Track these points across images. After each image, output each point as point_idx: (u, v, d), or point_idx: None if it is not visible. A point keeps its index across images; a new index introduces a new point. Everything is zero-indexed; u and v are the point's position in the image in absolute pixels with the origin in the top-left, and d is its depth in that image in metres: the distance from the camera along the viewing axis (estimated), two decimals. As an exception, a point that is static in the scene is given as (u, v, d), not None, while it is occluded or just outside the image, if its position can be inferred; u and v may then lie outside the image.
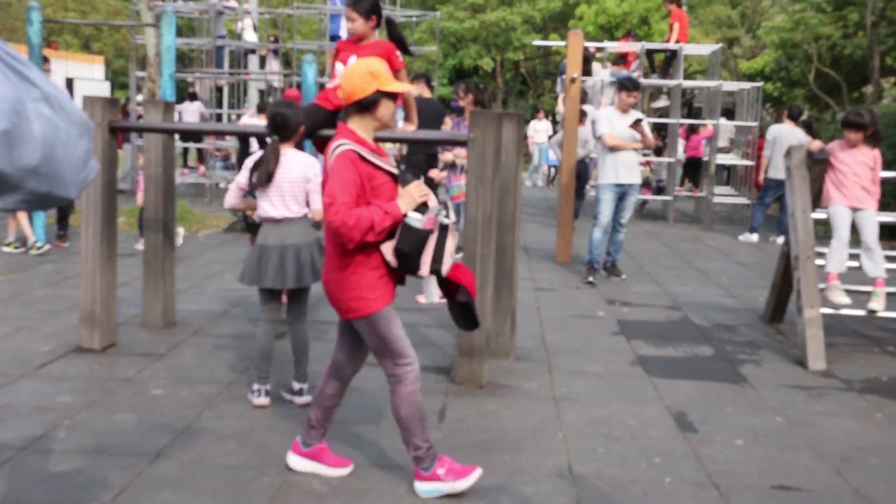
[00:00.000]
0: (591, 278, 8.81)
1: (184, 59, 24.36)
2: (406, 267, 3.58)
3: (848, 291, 6.48)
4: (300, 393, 5.00)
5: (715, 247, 11.90)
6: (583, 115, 13.52)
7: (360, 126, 3.62)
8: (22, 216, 9.34)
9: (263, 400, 4.93)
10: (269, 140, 4.94)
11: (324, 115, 5.30)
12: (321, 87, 5.42)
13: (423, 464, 3.77)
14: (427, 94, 11.07)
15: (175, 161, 6.55)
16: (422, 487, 3.79)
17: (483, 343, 5.31)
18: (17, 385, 5.09)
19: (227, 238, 11.16)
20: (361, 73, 3.55)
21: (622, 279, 9.05)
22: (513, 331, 5.97)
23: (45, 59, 10.72)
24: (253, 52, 17.16)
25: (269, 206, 4.86)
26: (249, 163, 4.94)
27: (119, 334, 6.15)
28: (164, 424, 4.53)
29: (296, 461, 4.03)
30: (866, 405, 5.31)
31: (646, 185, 15.47)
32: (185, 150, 18.77)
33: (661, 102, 16.51)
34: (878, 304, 6.35)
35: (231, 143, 15.85)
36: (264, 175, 4.78)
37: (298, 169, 4.84)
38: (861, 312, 6.50)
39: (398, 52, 5.26)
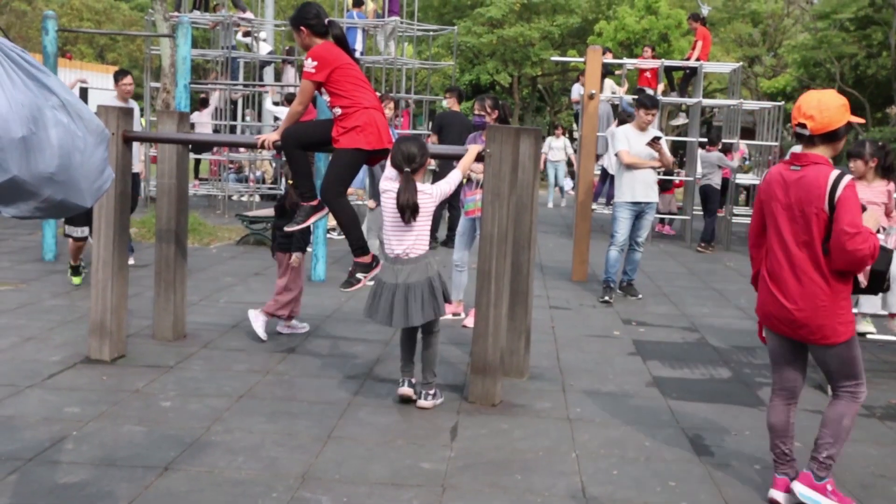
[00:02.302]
0: (606, 297, 8.73)
1: (198, 71, 24.49)
2: (876, 286, 4.02)
3: (869, 316, 6.42)
4: (424, 397, 5.21)
5: (733, 268, 11.77)
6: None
7: (827, 153, 3.85)
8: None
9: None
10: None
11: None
12: None
13: (821, 472, 3.93)
14: (457, 107, 11.34)
15: (188, 173, 6.54)
16: (803, 490, 3.93)
17: (497, 361, 5.24)
18: (25, 395, 5.06)
19: (239, 251, 11.14)
20: (837, 105, 3.80)
21: (638, 299, 8.95)
22: (527, 349, 5.89)
23: (126, 73, 9.24)
24: (269, 63, 17.19)
25: (397, 242, 4.99)
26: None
27: (129, 345, 6.12)
28: (172, 437, 4.50)
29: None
30: (888, 432, 5.20)
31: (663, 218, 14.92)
32: (198, 162, 18.81)
33: (680, 120, 16.39)
34: None
35: (244, 156, 15.84)
36: (409, 211, 4.87)
37: (428, 203, 4.97)
38: (882, 337, 6.40)
39: (309, 58, 5.14)
